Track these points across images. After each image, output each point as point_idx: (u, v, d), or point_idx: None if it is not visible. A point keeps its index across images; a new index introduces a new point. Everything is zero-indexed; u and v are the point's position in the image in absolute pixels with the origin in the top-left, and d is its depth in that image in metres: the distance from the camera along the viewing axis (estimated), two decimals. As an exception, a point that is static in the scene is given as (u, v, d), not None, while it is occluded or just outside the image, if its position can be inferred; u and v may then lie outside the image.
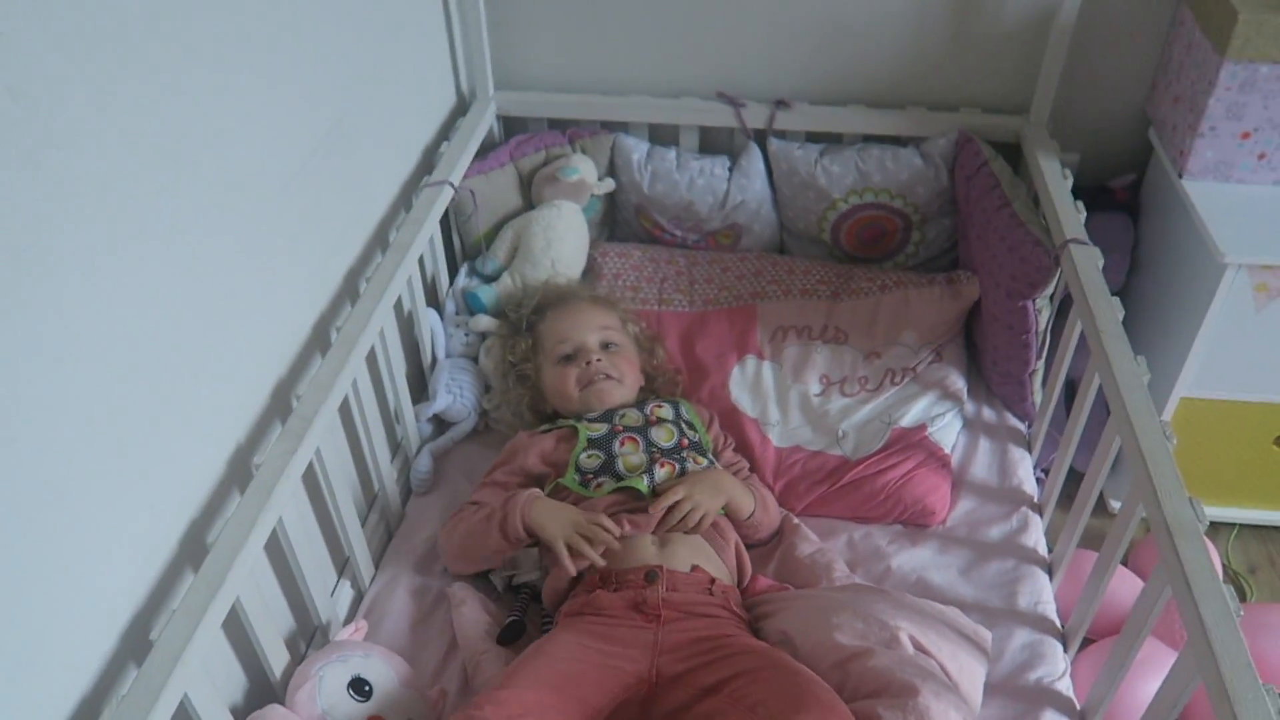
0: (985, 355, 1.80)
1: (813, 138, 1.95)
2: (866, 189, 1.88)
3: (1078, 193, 1.68)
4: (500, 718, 1.08)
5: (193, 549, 1.14)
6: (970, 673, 1.31)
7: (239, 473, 1.24)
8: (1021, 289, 1.60)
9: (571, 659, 1.23)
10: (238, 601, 1.11)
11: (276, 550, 1.28)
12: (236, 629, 1.20)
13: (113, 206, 0.99)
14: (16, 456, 0.88)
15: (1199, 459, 1.77)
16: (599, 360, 1.62)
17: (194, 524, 1.15)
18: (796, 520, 1.58)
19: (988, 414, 1.79)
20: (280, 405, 1.33)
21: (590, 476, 1.50)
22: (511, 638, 1.40)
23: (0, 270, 0.85)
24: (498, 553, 1.45)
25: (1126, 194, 1.85)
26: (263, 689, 1.29)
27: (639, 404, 1.63)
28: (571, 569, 1.35)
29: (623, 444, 1.53)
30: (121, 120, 0.99)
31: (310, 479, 1.35)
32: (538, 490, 1.49)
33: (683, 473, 1.49)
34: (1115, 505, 1.91)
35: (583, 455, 1.52)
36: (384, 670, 1.32)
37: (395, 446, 1.71)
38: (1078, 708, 1.35)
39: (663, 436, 1.55)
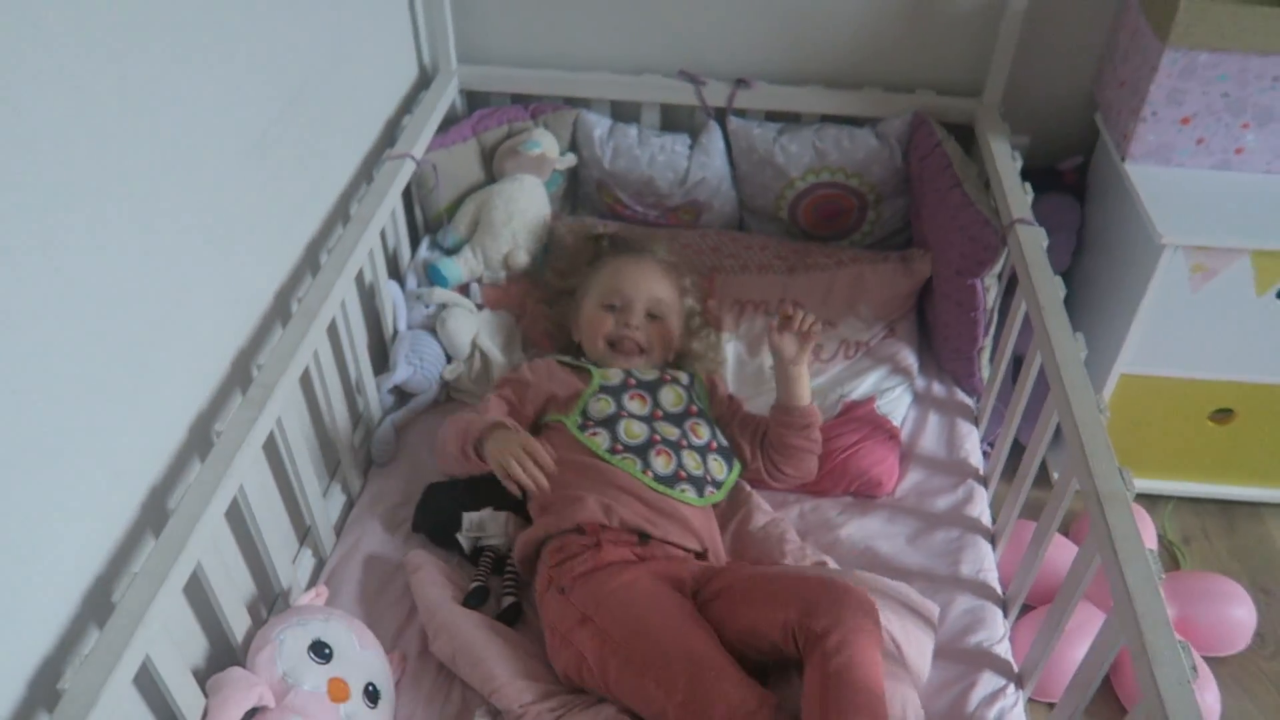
0: (936, 332, 1.85)
1: (772, 117, 1.98)
2: (824, 168, 1.92)
3: (1027, 174, 1.73)
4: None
5: (154, 514, 1.16)
6: (918, 643, 1.36)
7: (200, 440, 1.25)
8: (970, 267, 1.65)
9: (662, 603, 1.29)
10: (199, 566, 1.14)
11: (238, 517, 1.29)
12: (198, 593, 1.22)
13: (67, 175, 1.00)
14: (-23, 421, 0.89)
15: (1138, 434, 1.84)
16: (636, 328, 1.63)
17: (155, 490, 1.17)
18: (749, 489, 1.62)
19: (937, 389, 1.84)
20: (241, 375, 1.35)
21: (590, 423, 1.52)
22: (477, 603, 1.43)
23: (-40, 236, 0.86)
24: (457, 462, 1.50)
25: (1074, 176, 1.91)
26: (224, 652, 1.31)
27: (658, 365, 1.66)
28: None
29: (631, 398, 1.56)
30: (74, 86, 1.00)
31: (271, 447, 1.36)
32: (505, 419, 1.50)
33: (679, 465, 1.49)
34: (1057, 477, 1.98)
35: (592, 399, 1.55)
36: (344, 634, 1.35)
37: (357, 418, 1.73)
38: (1015, 670, 1.41)
39: (670, 400, 1.58)
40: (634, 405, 1.56)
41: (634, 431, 1.51)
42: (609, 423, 1.52)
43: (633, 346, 1.63)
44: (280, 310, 1.46)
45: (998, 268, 1.65)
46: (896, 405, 1.76)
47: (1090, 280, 1.90)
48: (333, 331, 1.53)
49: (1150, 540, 1.81)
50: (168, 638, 1.07)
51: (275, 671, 1.26)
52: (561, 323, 1.75)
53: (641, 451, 1.49)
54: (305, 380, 1.47)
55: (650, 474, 1.47)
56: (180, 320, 1.21)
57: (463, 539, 1.52)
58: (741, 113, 1.97)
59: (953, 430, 1.76)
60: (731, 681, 1.17)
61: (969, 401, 1.82)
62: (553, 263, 1.85)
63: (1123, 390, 1.77)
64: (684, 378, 1.64)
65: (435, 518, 1.53)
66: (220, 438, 1.20)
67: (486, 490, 1.52)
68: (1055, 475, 1.98)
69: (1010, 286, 1.68)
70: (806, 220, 2.00)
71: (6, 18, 0.90)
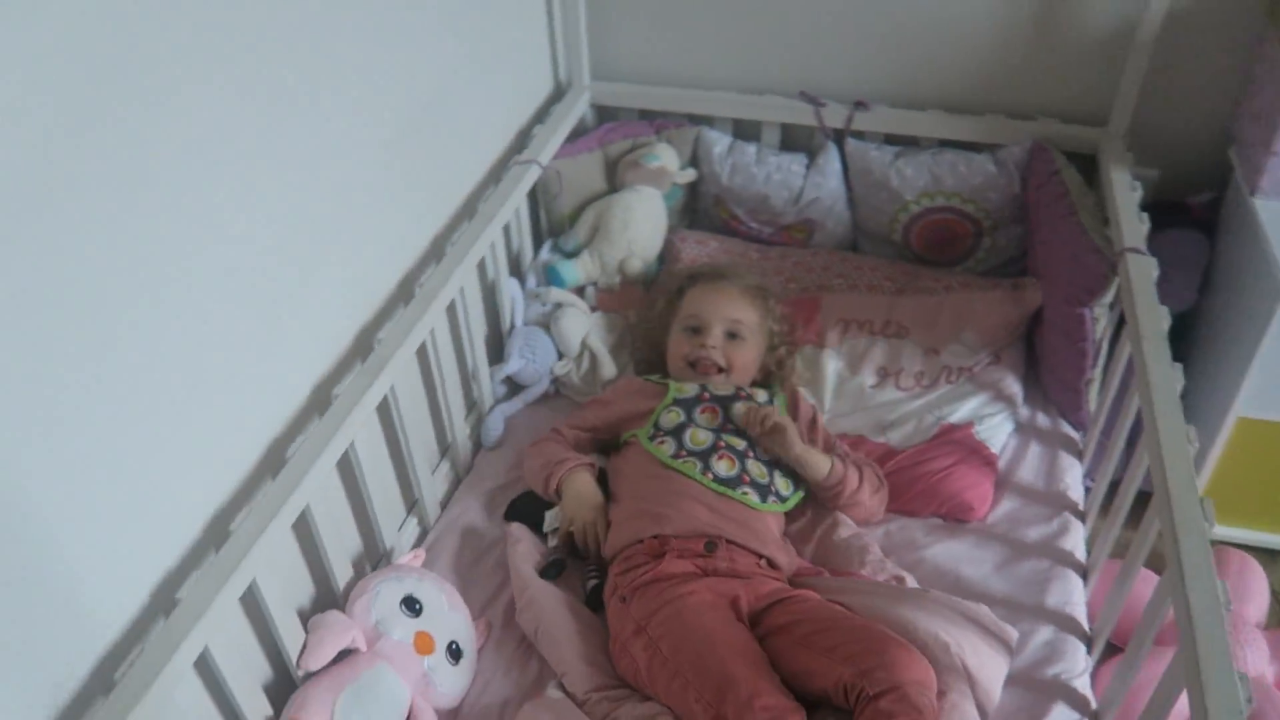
0: (1044, 361, 1.82)
1: (891, 140, 2.00)
2: (938, 192, 1.93)
3: (1153, 208, 1.69)
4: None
5: (272, 462, 1.30)
6: (991, 664, 1.35)
7: (320, 402, 1.39)
8: (1079, 295, 1.63)
9: (719, 622, 1.33)
10: (308, 509, 1.26)
11: (350, 475, 1.43)
12: (308, 540, 1.35)
13: (234, 161, 1.15)
14: (145, 376, 1.04)
15: (1256, 482, 1.75)
16: (714, 348, 1.69)
17: (275, 441, 1.31)
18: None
19: (1042, 420, 1.81)
20: (363, 347, 1.48)
21: (660, 433, 1.59)
22: (554, 574, 1.52)
23: (116, 219, 1.01)
24: (541, 490, 1.62)
25: (1203, 211, 1.84)
26: (326, 596, 1.44)
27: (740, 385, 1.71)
28: (557, 542, 1.58)
29: (702, 411, 1.62)
30: (239, 88, 1.15)
31: (386, 417, 1.49)
32: (583, 464, 1.61)
33: (743, 470, 1.55)
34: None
35: (665, 412, 1.62)
36: (435, 594, 1.46)
37: (471, 404, 1.85)
38: (1092, 706, 1.38)
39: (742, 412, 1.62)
40: (704, 418, 1.61)
41: (699, 439, 1.57)
42: (676, 431, 1.58)
43: (710, 365, 1.68)
44: (404, 294, 1.59)
45: (1107, 297, 1.62)
46: (996, 432, 1.74)
47: (1214, 319, 1.83)
48: (451, 315, 1.66)
49: (1262, 594, 1.71)
50: (273, 570, 1.20)
51: (369, 619, 1.38)
52: (651, 350, 1.83)
53: (703, 455, 1.54)
54: (423, 357, 1.59)
55: (710, 475, 1.52)
56: (312, 295, 1.36)
57: (547, 529, 1.61)
58: (860, 135, 2.00)
59: (1054, 462, 1.73)
60: (766, 690, 1.21)
61: (1074, 435, 1.78)
62: (648, 298, 1.92)
63: (1240, 434, 1.70)
64: (760, 395, 1.68)
65: (523, 514, 1.64)
66: (337, 399, 1.33)
67: None
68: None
69: (1122, 319, 1.64)
70: (919, 244, 2.01)
71: (201, 36, 1.06)
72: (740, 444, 1.58)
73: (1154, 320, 1.40)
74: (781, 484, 1.58)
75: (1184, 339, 1.95)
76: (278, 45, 1.22)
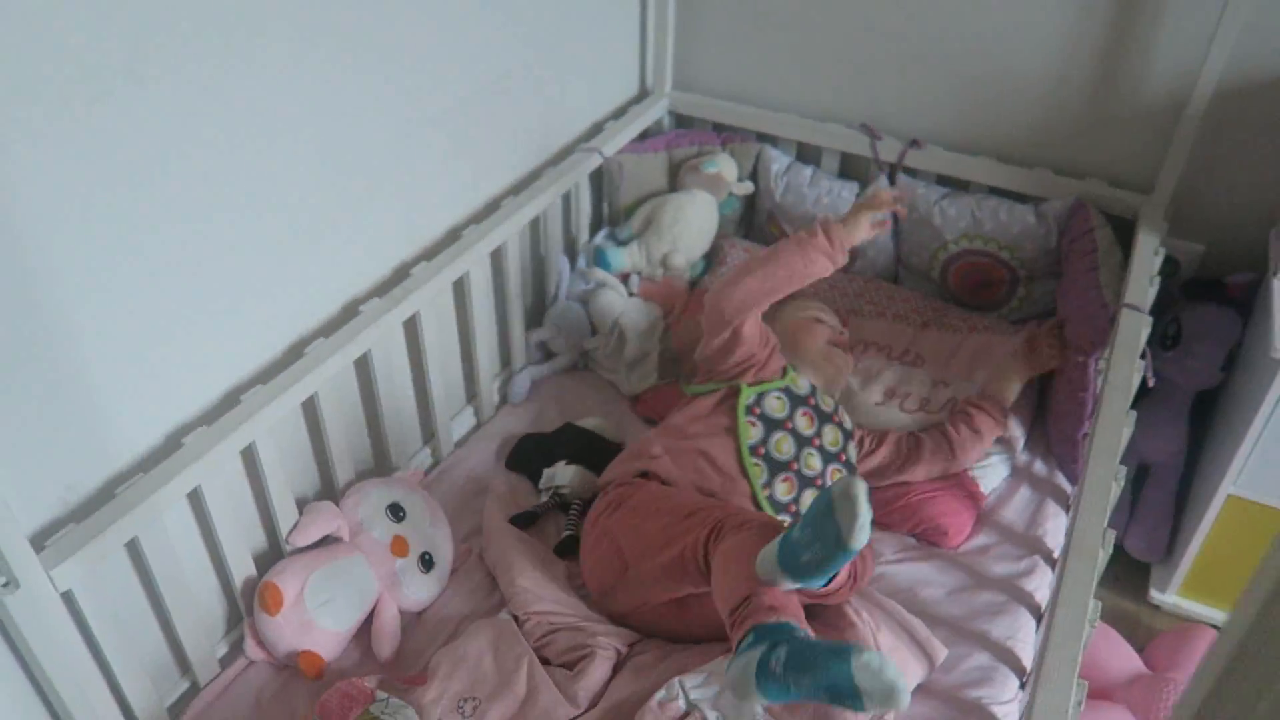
0: (1049, 411, 1.85)
1: (941, 180, 2.07)
2: (977, 235, 1.99)
3: (1193, 283, 1.71)
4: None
5: (292, 357, 1.48)
6: (902, 665, 1.40)
7: (348, 315, 1.57)
8: (1083, 345, 1.66)
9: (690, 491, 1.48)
10: (316, 396, 1.45)
11: (367, 382, 1.60)
12: (316, 433, 1.53)
13: (337, 94, 1.36)
14: (203, 250, 1.25)
15: (1235, 562, 1.73)
16: (844, 332, 1.81)
17: (299, 340, 1.50)
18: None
19: (1039, 468, 1.83)
20: (399, 278, 1.66)
21: (757, 410, 1.58)
22: (523, 524, 1.65)
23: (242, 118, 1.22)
24: None
25: (1240, 291, 1.84)
26: (327, 492, 1.62)
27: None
28: (546, 500, 1.70)
29: (804, 415, 1.63)
30: (355, 54, 1.36)
31: (414, 345, 1.66)
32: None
33: (795, 500, 1.56)
34: (1154, 594, 1.89)
35: (774, 391, 1.62)
36: (420, 507, 1.61)
37: (505, 361, 2.01)
38: (1008, 735, 1.41)
39: (830, 439, 1.64)
40: (802, 422, 1.62)
41: (783, 449, 1.58)
42: (771, 424, 1.59)
43: (848, 344, 1.78)
44: (450, 240, 1.76)
45: (1109, 350, 1.65)
46: (989, 474, 1.78)
47: (1230, 397, 1.82)
48: (496, 263, 1.82)
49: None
50: (275, 440, 1.38)
51: (356, 515, 1.55)
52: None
53: (774, 469, 1.55)
54: (459, 295, 1.76)
55: (768, 493, 1.54)
56: (361, 225, 1.55)
57: (541, 489, 1.74)
58: (912, 171, 2.08)
59: (1039, 508, 1.75)
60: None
61: (1068, 488, 1.80)
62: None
63: (1229, 513, 1.69)
64: (848, 422, 1.71)
65: (522, 462, 1.79)
66: (362, 312, 1.52)
67: (565, 445, 1.77)
68: (1153, 592, 1.89)
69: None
70: (956, 283, 2.07)
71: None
72: (814, 468, 1.59)
73: (1125, 372, 1.44)
74: None
75: (1208, 416, 1.94)
76: (379, 9, 1.42)
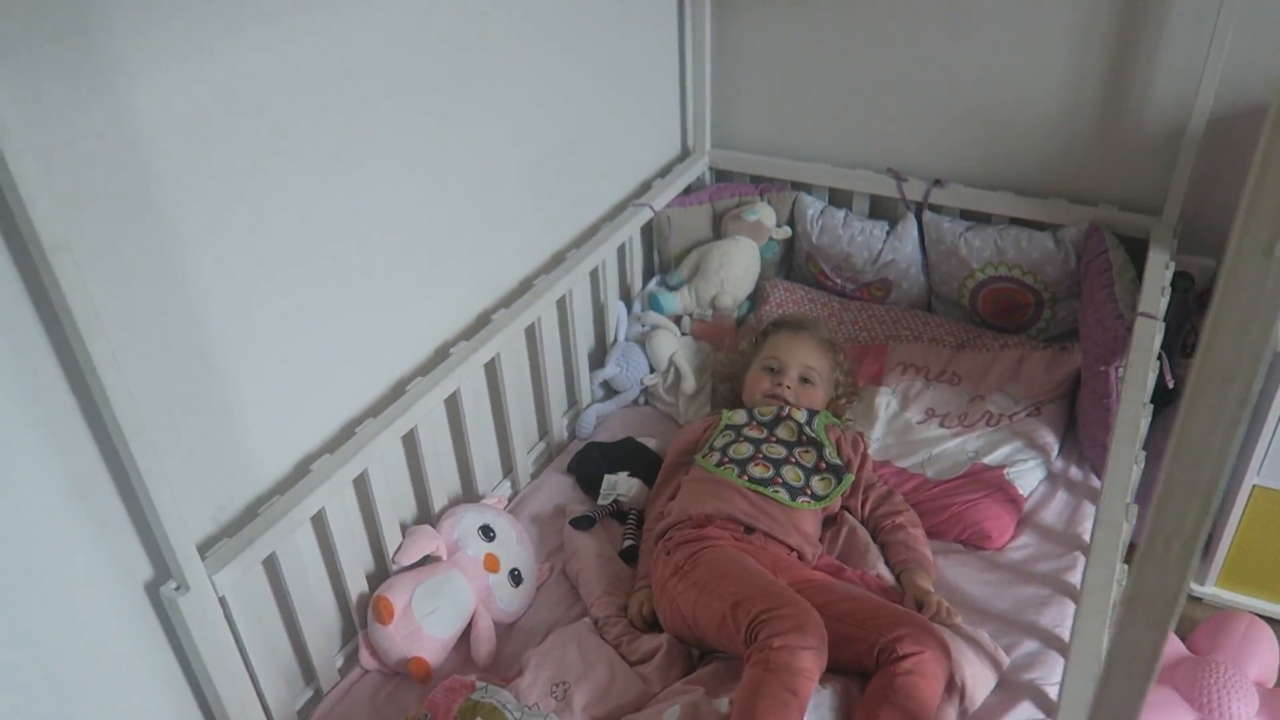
0: (1080, 419, 1.99)
1: (965, 214, 2.25)
2: (1001, 263, 2.15)
3: (1206, 293, 1.84)
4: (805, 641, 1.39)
5: (395, 394, 1.68)
6: (981, 681, 1.53)
7: (440, 358, 1.77)
8: (1104, 355, 1.81)
9: (749, 561, 1.59)
10: (415, 430, 1.64)
11: (456, 417, 1.80)
12: (415, 463, 1.72)
13: (430, 162, 1.58)
14: (325, 300, 1.46)
15: (1269, 550, 1.84)
16: (789, 388, 1.96)
17: (400, 379, 1.71)
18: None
19: (1075, 473, 1.97)
20: (481, 324, 1.86)
21: (712, 450, 1.84)
22: (585, 525, 1.84)
23: (334, 187, 1.44)
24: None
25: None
26: (424, 516, 1.80)
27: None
28: (604, 503, 1.89)
29: (750, 429, 1.86)
30: (421, 103, 1.59)
31: (494, 382, 1.86)
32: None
33: (776, 473, 1.78)
34: (1194, 587, 2.00)
35: (718, 435, 1.88)
36: (508, 528, 1.79)
37: (571, 401, 2.20)
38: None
39: (784, 432, 1.85)
40: (751, 433, 1.86)
41: (741, 451, 1.81)
42: (724, 447, 1.83)
43: (783, 402, 1.93)
44: (521, 292, 1.97)
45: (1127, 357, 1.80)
46: (1026, 477, 1.92)
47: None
48: (561, 311, 2.02)
49: (1270, 654, 1.79)
50: (382, 467, 1.58)
51: (452, 535, 1.73)
52: (729, 384, 2.09)
53: (742, 464, 1.78)
54: (531, 340, 1.95)
55: (745, 478, 1.75)
56: (441, 279, 1.76)
57: (602, 495, 1.92)
58: (937, 208, 2.26)
59: (1076, 509, 1.88)
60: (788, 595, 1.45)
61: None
62: (736, 335, 2.22)
63: (1257, 503, 1.80)
64: (801, 414, 1.90)
65: (586, 468, 1.97)
66: (451, 355, 1.72)
67: (628, 457, 1.96)
68: (1191, 584, 1.99)
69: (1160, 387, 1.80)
70: (985, 309, 2.23)
71: (404, 70, 1.50)
72: (778, 453, 1.82)
73: (1141, 377, 1.59)
74: (819, 485, 1.80)
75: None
76: (458, 80, 1.66)
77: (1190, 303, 2.08)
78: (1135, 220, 2.06)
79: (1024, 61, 2.08)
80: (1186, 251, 2.05)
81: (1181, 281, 1.99)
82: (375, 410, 1.63)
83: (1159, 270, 1.87)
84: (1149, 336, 1.67)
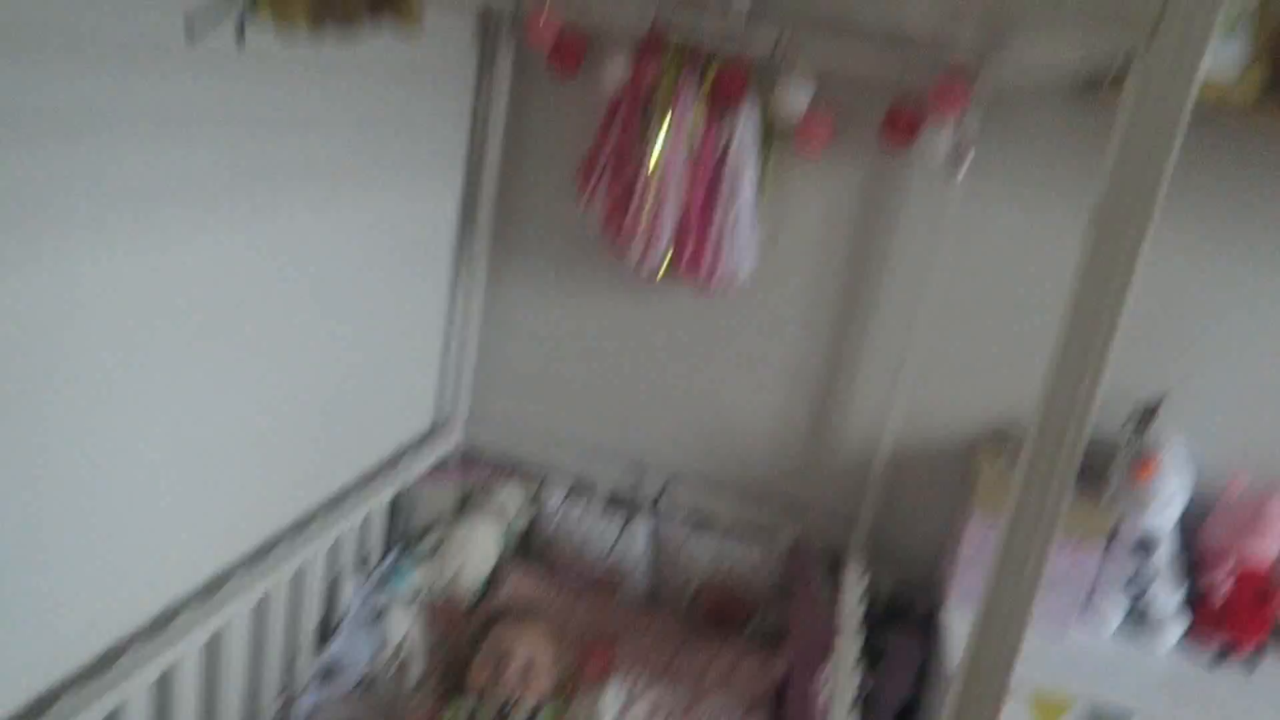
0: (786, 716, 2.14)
1: (694, 513, 2.47)
2: (717, 570, 2.37)
3: (889, 609, 2.13)
4: None
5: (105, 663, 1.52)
6: None
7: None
8: (811, 662, 2.00)
9: None
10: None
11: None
12: None
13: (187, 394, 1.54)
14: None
15: None
16: (510, 676, 1.99)
17: (111, 647, 1.55)
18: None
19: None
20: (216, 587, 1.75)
21: None
22: None
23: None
24: None
25: (924, 618, 2.30)
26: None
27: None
28: None
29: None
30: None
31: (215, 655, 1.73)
32: None
33: None
34: None
35: None
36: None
37: (284, 685, 2.05)
38: None
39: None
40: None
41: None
42: None
43: (507, 690, 1.97)
44: (259, 558, 1.89)
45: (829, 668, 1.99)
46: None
47: (924, 709, 2.20)
48: (295, 586, 1.95)
49: None
50: None
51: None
52: (459, 668, 2.08)
53: None
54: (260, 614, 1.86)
55: None
56: (186, 530, 1.67)
57: None
58: (672, 505, 2.47)
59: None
60: None
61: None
62: (464, 621, 2.23)
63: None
64: (525, 707, 1.93)
65: None
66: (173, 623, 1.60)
67: None
68: None
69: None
70: (706, 610, 2.39)
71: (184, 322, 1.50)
72: None
73: (846, 684, 1.78)
74: None
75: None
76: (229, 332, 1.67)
77: (878, 614, 2.36)
78: (837, 531, 2.36)
79: (750, 382, 2.43)
80: (876, 563, 2.35)
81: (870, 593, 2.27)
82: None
83: (852, 588, 2.13)
84: (849, 652, 1.88)
